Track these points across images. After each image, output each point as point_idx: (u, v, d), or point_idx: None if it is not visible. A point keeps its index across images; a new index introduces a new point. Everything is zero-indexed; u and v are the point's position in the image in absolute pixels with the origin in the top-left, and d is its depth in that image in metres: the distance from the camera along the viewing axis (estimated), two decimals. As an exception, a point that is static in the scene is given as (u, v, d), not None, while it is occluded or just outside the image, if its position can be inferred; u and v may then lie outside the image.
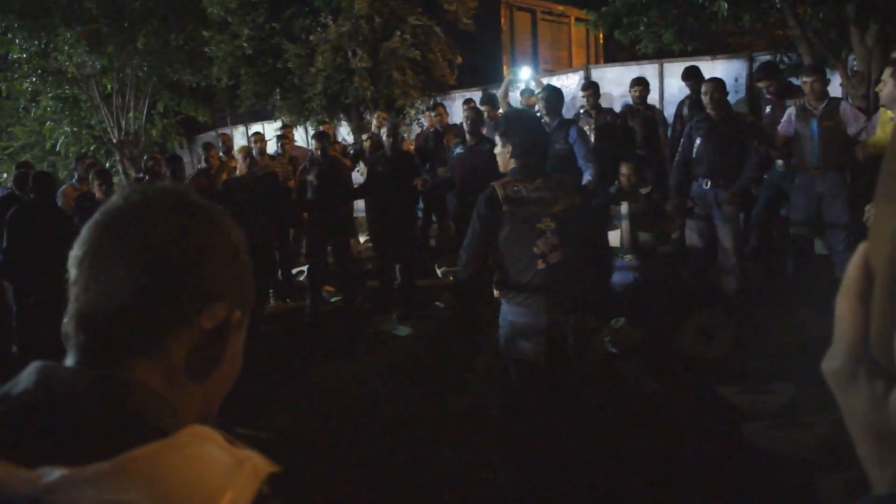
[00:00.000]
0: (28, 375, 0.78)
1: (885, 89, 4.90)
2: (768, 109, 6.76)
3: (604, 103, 9.77)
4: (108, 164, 14.21)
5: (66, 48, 12.85)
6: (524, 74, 9.21)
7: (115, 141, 14.19)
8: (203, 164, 8.65)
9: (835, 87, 7.12)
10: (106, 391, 0.78)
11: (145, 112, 14.52)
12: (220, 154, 9.14)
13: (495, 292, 3.48)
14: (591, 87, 7.61)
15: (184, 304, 0.85)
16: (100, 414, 0.76)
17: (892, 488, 0.55)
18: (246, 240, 0.96)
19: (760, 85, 7.03)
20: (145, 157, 8.82)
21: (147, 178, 8.15)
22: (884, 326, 0.54)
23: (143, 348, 0.83)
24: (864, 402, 0.55)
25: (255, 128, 13.16)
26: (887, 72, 4.93)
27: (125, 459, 0.70)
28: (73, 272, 0.85)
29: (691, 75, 7.67)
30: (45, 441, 0.72)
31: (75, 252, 0.86)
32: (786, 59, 8.47)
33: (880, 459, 0.56)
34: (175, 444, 0.74)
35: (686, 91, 7.98)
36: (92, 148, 15.03)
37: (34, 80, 14.09)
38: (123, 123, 14.18)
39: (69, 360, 0.83)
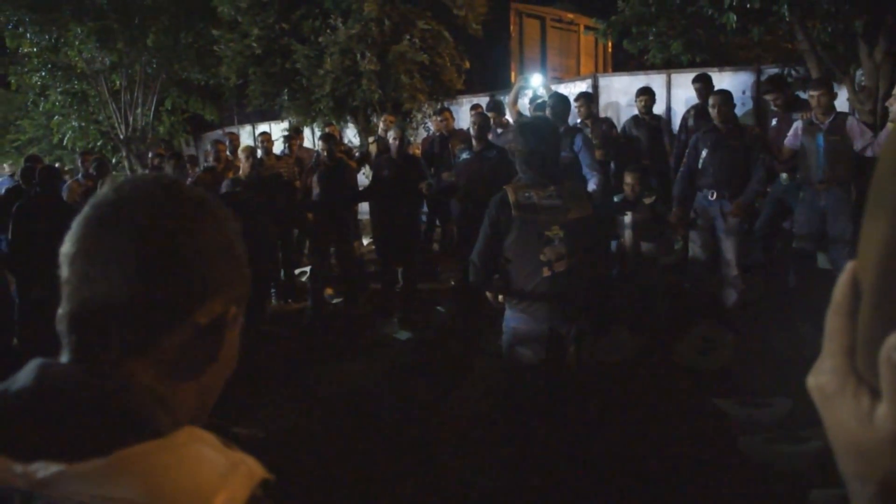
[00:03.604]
0: (27, 373, 0.78)
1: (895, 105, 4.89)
2: (774, 122, 6.76)
3: (610, 112, 9.81)
4: (114, 160, 14.29)
5: (77, 43, 12.94)
6: (535, 81, 9.20)
7: (122, 137, 14.26)
8: (211, 162, 8.68)
9: (842, 102, 7.11)
10: (101, 390, 0.78)
11: (153, 109, 14.58)
12: (228, 153, 9.16)
13: (499, 297, 3.49)
14: (582, 98, 7.61)
15: (178, 302, 0.84)
16: (95, 412, 0.76)
17: (872, 503, 0.56)
18: (248, 240, 0.95)
19: (767, 97, 7.03)
20: (151, 154, 8.85)
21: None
22: (870, 342, 0.54)
23: (137, 347, 0.83)
24: (849, 416, 0.56)
25: (262, 127, 13.21)
26: (900, 87, 4.92)
27: (120, 457, 0.71)
28: (64, 270, 0.84)
29: (701, 79, 7.66)
30: (40, 437, 0.73)
31: (67, 249, 0.84)
32: (793, 73, 8.46)
33: (861, 474, 0.56)
34: (170, 443, 0.75)
35: (693, 101, 7.97)
36: (99, 143, 15.12)
37: (43, 74, 14.19)
38: (131, 120, 14.25)
39: (63, 359, 0.83)
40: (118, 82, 14.15)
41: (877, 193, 0.54)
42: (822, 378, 0.58)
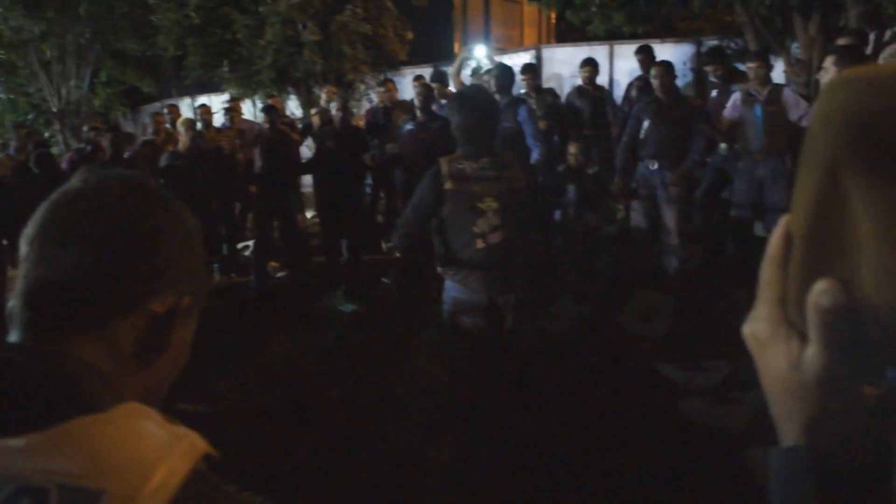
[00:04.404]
0: None
1: (826, 77, 5.00)
2: (714, 93, 6.87)
3: (554, 83, 9.87)
4: (47, 134, 13.86)
5: (1, 10, 12.41)
6: (479, 52, 9.19)
7: (54, 110, 13.80)
8: (150, 135, 8.48)
9: (778, 74, 7.27)
10: (44, 365, 0.77)
11: (87, 81, 14.13)
12: (167, 125, 8.96)
13: (438, 268, 3.50)
14: (530, 71, 7.63)
15: (134, 288, 0.85)
16: (35, 387, 0.75)
17: (797, 440, 0.60)
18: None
19: (707, 69, 7.15)
20: (86, 128, 8.60)
21: (89, 149, 7.95)
22: (798, 290, 0.58)
23: (88, 327, 0.83)
24: (781, 361, 0.60)
25: (202, 100, 12.92)
26: (829, 60, 5.04)
27: (58, 430, 0.70)
28: (24, 249, 0.85)
29: (644, 51, 7.74)
30: None
31: (28, 230, 0.85)
32: (732, 45, 8.62)
33: (790, 414, 0.61)
34: (110, 417, 0.74)
35: (636, 72, 8.06)
36: (30, 116, 14.62)
37: (-35, 43, 13.60)
38: (64, 92, 13.79)
39: (12, 337, 0.83)
40: (49, 53, 13.67)
41: (808, 150, 0.57)
42: (756, 326, 0.62)
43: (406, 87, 10.40)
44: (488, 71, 7.03)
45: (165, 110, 9.88)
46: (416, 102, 6.69)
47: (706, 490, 3.39)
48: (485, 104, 3.56)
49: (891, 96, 0.52)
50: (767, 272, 0.61)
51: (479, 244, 3.30)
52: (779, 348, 0.60)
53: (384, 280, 7.15)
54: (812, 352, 0.57)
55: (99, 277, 0.82)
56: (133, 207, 0.86)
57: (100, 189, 0.87)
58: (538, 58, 10.58)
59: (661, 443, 3.84)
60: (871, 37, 6.30)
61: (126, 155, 7.53)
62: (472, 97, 3.60)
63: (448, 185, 3.31)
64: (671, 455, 3.71)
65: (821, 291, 0.55)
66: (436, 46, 13.07)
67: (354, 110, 10.03)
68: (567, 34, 13.62)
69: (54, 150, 12.78)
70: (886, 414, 0.60)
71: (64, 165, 7.90)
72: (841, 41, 5.31)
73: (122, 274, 0.84)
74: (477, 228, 3.30)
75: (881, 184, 0.52)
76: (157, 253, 0.87)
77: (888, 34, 6.29)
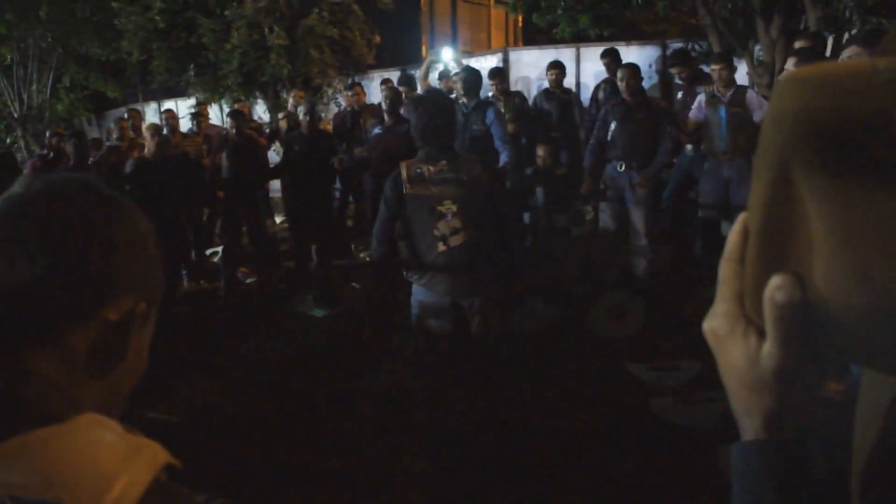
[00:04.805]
0: None
1: (787, 79, 5.08)
2: (680, 95, 6.94)
3: (521, 86, 9.89)
4: (8, 140, 13.61)
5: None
6: (446, 55, 9.19)
7: (16, 115, 13.56)
8: (114, 141, 8.36)
9: (742, 76, 7.36)
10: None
11: (50, 85, 13.89)
12: (130, 131, 8.84)
13: (403, 272, 3.52)
14: (498, 76, 7.66)
15: (86, 297, 0.82)
16: None
17: (757, 434, 0.62)
18: (156, 222, 0.93)
19: (672, 71, 7.22)
20: (49, 133, 8.46)
21: (52, 155, 7.83)
22: (754, 286, 0.59)
23: (41, 339, 0.80)
24: (739, 356, 0.61)
25: (168, 105, 12.77)
26: (790, 62, 5.12)
27: (12, 443, 0.69)
28: None
29: (610, 54, 7.80)
30: None
31: None
32: (697, 47, 8.71)
33: (749, 409, 0.62)
34: (69, 429, 0.72)
35: (602, 75, 8.11)
36: (-10, 122, 14.35)
37: (-78, 47, 13.32)
38: (25, 97, 13.55)
39: None
40: (9, 57, 13.43)
41: (761, 148, 0.58)
42: (715, 322, 0.63)
43: (374, 91, 10.37)
44: (456, 74, 7.04)
45: (126, 115, 9.75)
46: (384, 106, 6.69)
47: (677, 488, 3.42)
48: (441, 107, 3.55)
49: (838, 95, 0.52)
50: (725, 269, 0.62)
51: (441, 247, 3.31)
52: (737, 344, 0.61)
53: (354, 285, 7.12)
54: (769, 348, 0.59)
55: (48, 287, 0.79)
56: (80, 212, 0.83)
57: (44, 194, 0.83)
58: (505, 60, 10.60)
59: (632, 442, 3.86)
60: (830, 40, 6.42)
61: (90, 161, 7.42)
62: (429, 100, 3.61)
63: (407, 189, 3.32)
64: (642, 454, 3.73)
65: (776, 287, 0.56)
66: (403, 50, 13.06)
67: (322, 114, 9.98)
68: (534, 37, 13.71)
69: (16, 157, 12.57)
70: (847, 408, 0.62)
71: (26, 172, 7.77)
72: (798, 44, 5.39)
73: (73, 282, 0.80)
74: (437, 231, 3.30)
75: (830, 182, 0.53)
76: (108, 258, 0.83)
77: (846, 37, 6.41)
